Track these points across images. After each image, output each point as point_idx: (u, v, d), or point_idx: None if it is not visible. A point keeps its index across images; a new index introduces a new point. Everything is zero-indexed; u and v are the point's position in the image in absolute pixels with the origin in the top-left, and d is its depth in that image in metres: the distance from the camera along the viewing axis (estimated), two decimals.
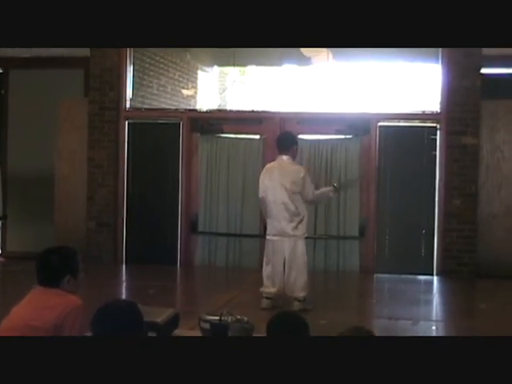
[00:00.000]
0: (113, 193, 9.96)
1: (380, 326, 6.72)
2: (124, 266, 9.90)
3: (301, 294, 7.11)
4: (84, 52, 9.56)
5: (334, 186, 7.86)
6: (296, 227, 7.15)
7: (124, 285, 9.12)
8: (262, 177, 7.36)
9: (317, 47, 8.92)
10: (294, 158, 7.36)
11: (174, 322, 4.71)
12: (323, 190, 7.74)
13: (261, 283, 7.28)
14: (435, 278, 9.28)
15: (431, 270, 9.38)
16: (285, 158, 7.28)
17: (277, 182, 7.16)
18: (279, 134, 7.95)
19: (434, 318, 7.45)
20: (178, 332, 4.64)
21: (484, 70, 9.27)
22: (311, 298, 7.20)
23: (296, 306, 6.97)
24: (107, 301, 3.20)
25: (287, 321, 3.32)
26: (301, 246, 7.22)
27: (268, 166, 7.48)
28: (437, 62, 9.48)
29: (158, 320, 4.46)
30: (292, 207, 7.12)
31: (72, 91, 10.56)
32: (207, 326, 4.63)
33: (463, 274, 9.17)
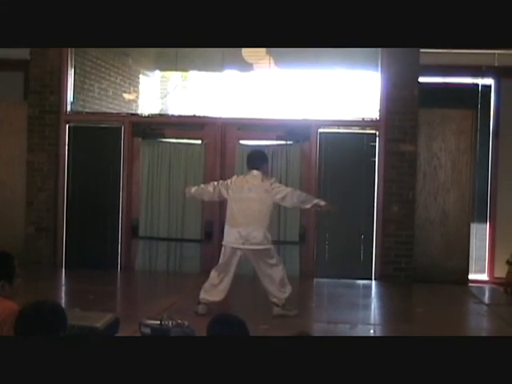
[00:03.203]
0: (53, 197, 9.85)
1: (319, 330, 6.80)
2: (64, 270, 9.79)
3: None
4: (23, 54, 9.45)
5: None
6: None
7: (63, 290, 9.03)
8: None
9: (256, 47, 9.01)
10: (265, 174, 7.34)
11: (114, 326, 4.71)
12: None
13: (201, 288, 7.29)
14: (373, 283, 9.43)
15: (370, 275, 9.53)
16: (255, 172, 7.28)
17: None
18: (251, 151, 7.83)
19: (372, 321, 7.56)
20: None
21: (421, 79, 9.47)
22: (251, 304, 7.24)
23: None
24: (29, 302, 3.18)
25: (227, 322, 3.36)
26: None
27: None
28: (376, 69, 9.64)
29: (98, 325, 4.46)
30: None
31: (11, 94, 10.40)
32: (148, 330, 4.65)
33: (400, 279, 9.34)
